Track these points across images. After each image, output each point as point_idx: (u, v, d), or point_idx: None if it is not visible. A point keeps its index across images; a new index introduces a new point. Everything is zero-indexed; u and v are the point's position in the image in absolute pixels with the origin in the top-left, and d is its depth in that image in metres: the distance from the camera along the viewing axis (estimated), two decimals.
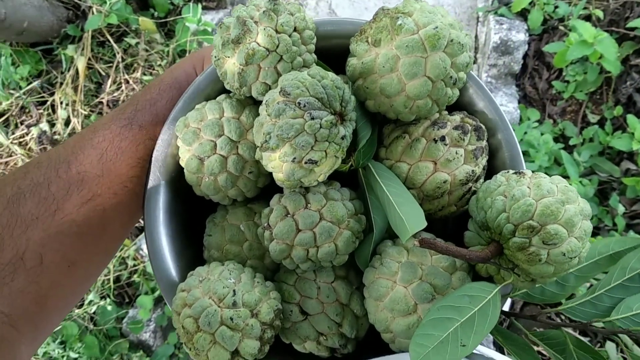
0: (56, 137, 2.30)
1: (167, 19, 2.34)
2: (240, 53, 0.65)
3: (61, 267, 0.68)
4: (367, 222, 0.72)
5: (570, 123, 2.12)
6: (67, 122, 2.30)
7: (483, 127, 0.72)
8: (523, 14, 2.29)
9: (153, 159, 0.76)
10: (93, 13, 2.28)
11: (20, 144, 2.33)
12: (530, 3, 2.21)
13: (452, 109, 0.74)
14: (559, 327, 0.68)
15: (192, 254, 0.82)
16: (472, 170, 0.69)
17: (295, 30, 0.68)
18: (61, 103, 2.30)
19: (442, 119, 0.71)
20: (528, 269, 0.61)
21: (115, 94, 2.30)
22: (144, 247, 2.01)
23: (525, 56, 2.24)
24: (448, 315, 0.58)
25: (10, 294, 0.64)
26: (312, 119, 0.60)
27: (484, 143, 0.71)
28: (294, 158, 0.61)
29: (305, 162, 0.62)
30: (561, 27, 2.19)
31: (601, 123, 2.10)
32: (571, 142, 2.07)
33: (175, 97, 0.79)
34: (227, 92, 0.76)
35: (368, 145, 0.71)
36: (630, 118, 1.96)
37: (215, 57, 0.70)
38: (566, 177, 1.90)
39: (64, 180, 0.69)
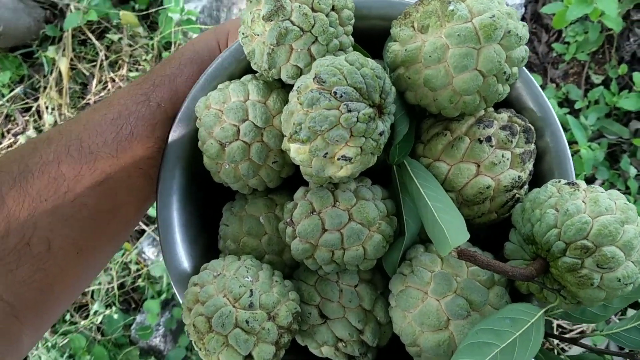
0: None
1: (149, 11, 2.19)
2: (272, 31, 0.59)
3: (69, 254, 0.64)
4: (398, 224, 0.66)
5: (573, 86, 2.01)
6: None
7: (532, 128, 0.65)
8: None
9: (169, 140, 0.71)
10: (71, 11, 2.12)
11: None
12: None
13: (498, 105, 0.67)
14: (602, 354, 0.62)
15: (205, 242, 0.77)
16: (519, 176, 0.62)
17: (333, 9, 0.61)
18: (47, 108, 2.18)
19: (488, 116, 0.65)
20: (576, 292, 0.55)
21: (102, 94, 2.18)
22: (146, 250, 1.95)
23: (522, 20, 2.14)
24: (487, 339, 0.52)
25: (14, 282, 0.59)
26: (349, 111, 0.54)
27: (532, 146, 0.65)
28: (326, 153, 0.56)
29: (338, 159, 0.56)
30: None
31: (606, 83, 1.98)
32: (576, 106, 1.96)
33: (196, 72, 0.73)
34: (253, 72, 0.69)
35: (405, 141, 0.65)
36: (636, 76, 1.84)
37: (242, 33, 0.64)
38: (574, 142, 1.82)
39: (76, 160, 0.64)
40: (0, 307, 0.59)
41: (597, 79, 2.02)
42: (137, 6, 2.22)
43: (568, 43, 2.04)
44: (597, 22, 1.91)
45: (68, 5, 2.17)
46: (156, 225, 1.93)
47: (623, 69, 1.95)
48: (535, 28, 2.17)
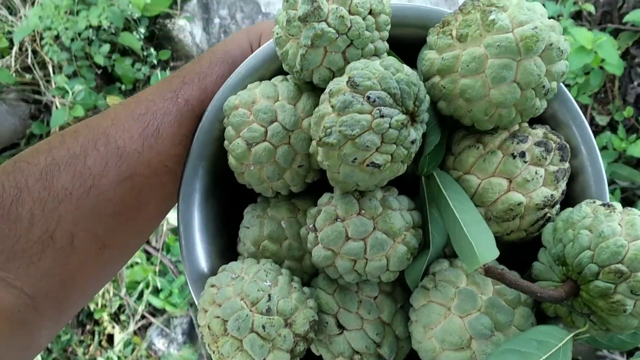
0: None
1: (136, 91, 2.13)
2: (307, 32, 0.58)
3: (92, 249, 0.63)
4: (423, 237, 0.64)
5: None
6: None
7: (568, 146, 0.63)
8: None
9: (195, 138, 0.70)
10: (57, 107, 2.10)
11: None
12: None
13: (533, 121, 0.65)
14: None
15: (224, 243, 0.76)
16: (551, 195, 0.60)
17: (370, 13, 0.60)
18: None
19: (522, 131, 0.63)
20: (607, 319, 0.53)
21: None
22: (156, 341, 1.87)
23: None
24: None
25: (36, 274, 0.59)
26: (382, 116, 0.53)
27: (567, 165, 0.63)
28: (355, 158, 0.54)
29: (367, 165, 0.54)
30: None
31: (612, 125, 1.94)
32: None
33: (227, 72, 0.72)
34: (284, 74, 0.68)
35: (435, 152, 0.63)
36: None
37: (277, 34, 0.63)
38: None
39: (102, 154, 0.63)
40: (21, 299, 0.58)
41: (602, 120, 1.97)
42: (123, 87, 2.19)
43: (569, 86, 2.00)
44: (599, 67, 1.87)
45: (53, 100, 2.13)
46: (164, 317, 1.91)
47: (629, 111, 1.91)
48: None
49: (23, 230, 0.58)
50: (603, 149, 1.92)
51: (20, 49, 2.15)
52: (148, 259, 1.99)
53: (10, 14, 2.17)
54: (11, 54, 2.12)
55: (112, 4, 2.01)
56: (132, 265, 1.95)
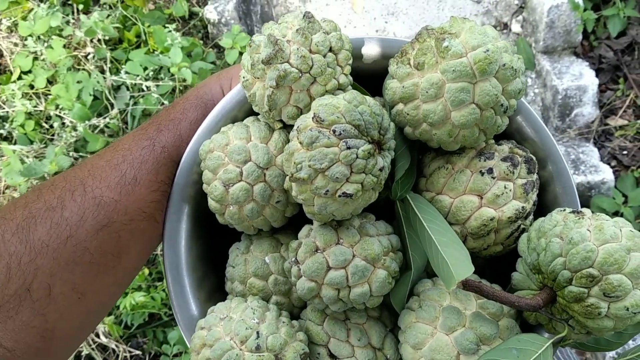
0: None
1: None
2: (271, 74, 0.60)
3: (70, 299, 0.63)
4: (404, 259, 0.66)
5: None
6: None
7: (534, 158, 0.66)
8: None
9: (175, 182, 0.72)
10: None
11: None
12: None
13: (499, 137, 0.68)
14: None
15: (212, 284, 0.77)
16: (522, 207, 0.62)
17: (330, 50, 0.63)
18: None
19: (489, 148, 0.65)
20: (584, 322, 0.55)
21: None
22: None
23: None
24: None
25: (14, 328, 0.59)
26: (348, 148, 0.55)
27: (535, 176, 0.65)
28: (327, 190, 0.56)
29: (340, 196, 0.56)
30: None
31: None
32: None
33: (200, 117, 0.74)
34: (256, 114, 0.71)
35: (406, 176, 0.65)
36: None
37: (243, 77, 0.65)
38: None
39: (79, 205, 0.65)
40: (0, 353, 0.58)
41: None
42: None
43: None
44: None
45: None
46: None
47: None
48: None
49: None
50: None
51: None
52: None
53: None
54: None
55: None
56: None
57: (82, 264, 0.64)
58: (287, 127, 0.68)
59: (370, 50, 0.71)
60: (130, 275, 0.73)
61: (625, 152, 2.12)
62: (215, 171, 0.66)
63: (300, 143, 0.56)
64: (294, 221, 0.72)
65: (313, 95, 0.62)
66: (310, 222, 0.67)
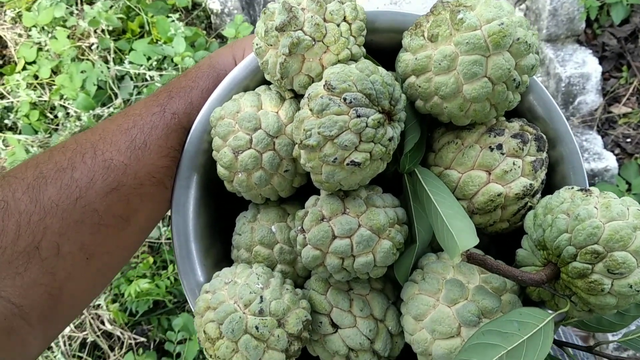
0: None
1: None
2: (284, 41, 0.60)
3: (79, 259, 0.64)
4: (410, 233, 0.66)
5: None
6: None
7: (544, 136, 0.65)
8: None
9: (185, 150, 0.72)
10: None
11: None
12: None
13: (510, 115, 0.67)
14: None
15: (218, 252, 0.77)
16: (530, 184, 0.62)
17: (344, 20, 0.63)
18: None
19: (499, 125, 0.65)
20: (587, 299, 0.55)
21: None
22: None
23: None
24: (493, 341, 0.52)
25: (23, 284, 0.60)
26: (358, 116, 0.55)
27: (545, 155, 0.65)
28: (335, 158, 0.56)
29: (348, 164, 0.56)
30: None
31: None
32: None
33: (212, 86, 0.74)
34: (268, 83, 0.71)
35: (415, 149, 0.65)
36: None
37: (256, 45, 0.65)
38: None
39: (89, 167, 0.65)
40: (8, 308, 0.59)
41: None
42: None
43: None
44: None
45: None
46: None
47: None
48: None
49: (9, 242, 0.59)
50: None
51: None
52: None
53: None
54: None
55: None
56: None
57: (91, 225, 0.65)
58: (298, 98, 0.69)
59: (384, 23, 0.71)
60: (139, 239, 0.74)
61: (628, 140, 2.12)
62: (225, 138, 0.66)
63: (311, 110, 0.57)
64: (302, 193, 0.72)
65: (325, 65, 0.62)
66: (318, 193, 0.67)
